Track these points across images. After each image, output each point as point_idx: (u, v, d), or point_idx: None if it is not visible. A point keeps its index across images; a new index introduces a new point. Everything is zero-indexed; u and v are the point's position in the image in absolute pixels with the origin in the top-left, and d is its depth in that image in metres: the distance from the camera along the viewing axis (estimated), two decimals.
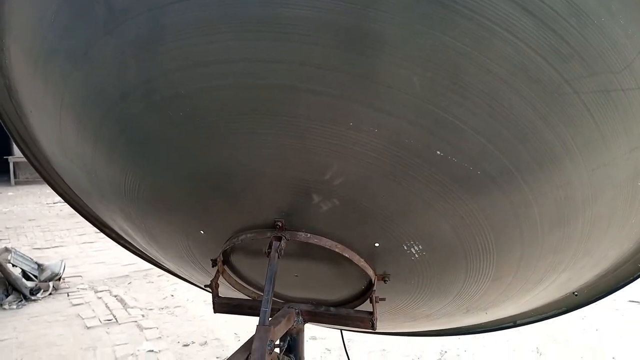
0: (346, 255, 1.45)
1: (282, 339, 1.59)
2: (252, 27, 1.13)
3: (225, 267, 1.73)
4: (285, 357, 1.49)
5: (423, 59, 1.10)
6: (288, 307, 1.59)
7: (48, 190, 17.60)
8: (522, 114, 1.16)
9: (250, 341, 1.28)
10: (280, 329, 1.44)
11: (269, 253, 1.40)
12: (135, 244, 2.22)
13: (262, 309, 1.32)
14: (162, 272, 9.17)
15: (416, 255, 1.45)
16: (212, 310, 1.65)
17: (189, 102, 1.26)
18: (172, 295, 7.20)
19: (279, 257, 1.40)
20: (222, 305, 1.68)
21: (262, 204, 1.43)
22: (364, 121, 1.19)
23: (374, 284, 1.52)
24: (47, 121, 1.69)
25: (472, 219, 1.35)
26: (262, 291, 1.75)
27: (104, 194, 1.78)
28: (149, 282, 7.81)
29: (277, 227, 1.43)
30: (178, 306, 6.81)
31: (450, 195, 1.30)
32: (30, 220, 12.38)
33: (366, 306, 1.60)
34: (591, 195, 1.35)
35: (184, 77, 1.23)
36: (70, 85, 1.45)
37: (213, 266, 1.67)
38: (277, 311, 1.57)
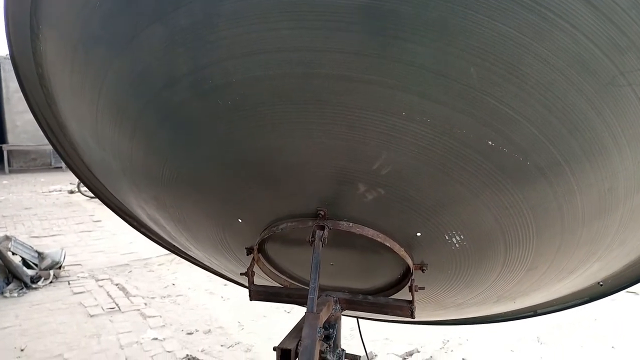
0: (387, 244, 1.46)
1: (325, 327, 1.60)
2: (308, 15, 1.12)
3: (260, 255, 1.73)
4: (324, 343, 1.50)
5: (482, 49, 1.10)
6: (326, 295, 1.61)
7: (42, 179, 17.50)
8: (576, 105, 1.17)
9: (297, 328, 1.29)
10: (323, 317, 1.45)
11: (312, 242, 1.41)
12: (161, 233, 2.21)
13: (310, 296, 1.33)
14: (162, 261, 9.16)
15: (457, 245, 1.47)
16: (249, 298, 1.65)
17: (240, 91, 1.26)
18: (174, 284, 7.20)
19: (322, 246, 1.40)
20: (259, 293, 1.69)
21: (306, 192, 1.43)
22: (417, 111, 1.19)
23: (412, 273, 1.53)
24: (82, 110, 1.67)
25: (516, 210, 1.37)
26: (295, 280, 1.77)
27: (136, 182, 1.77)
28: (150, 271, 7.81)
29: (320, 216, 1.44)
30: (180, 295, 6.82)
31: (497, 186, 1.31)
32: (26, 208, 12.29)
33: (401, 294, 1.61)
34: (634, 186, 1.36)
35: (237, 65, 1.22)
36: (111, 74, 1.43)
37: (248, 254, 1.68)
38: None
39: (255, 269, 1.75)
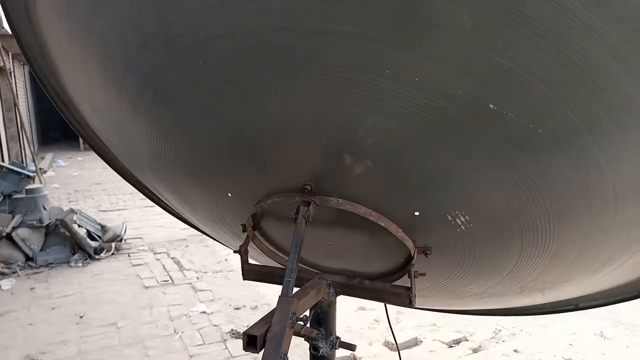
0: (382, 224, 1.29)
1: (311, 311, 1.47)
2: None
3: (257, 233, 1.62)
4: (314, 330, 1.38)
5: None
6: (319, 278, 1.47)
7: None
8: (597, 59, 0.95)
9: (271, 313, 1.18)
10: (308, 301, 1.33)
11: (296, 219, 1.27)
12: (171, 206, 2.16)
13: (286, 279, 1.20)
14: None
15: (462, 227, 1.28)
16: (242, 277, 1.55)
17: (209, 50, 1.13)
18: (226, 260, 7.33)
19: (306, 224, 1.27)
20: (252, 273, 1.59)
21: (290, 165, 1.30)
22: (402, 68, 1.02)
23: (413, 257, 1.36)
24: (76, 77, 1.63)
25: (529, 187, 1.16)
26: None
27: (134, 153, 1.71)
28: (205, 246, 8.00)
29: (306, 191, 1.30)
30: (231, 270, 6.93)
31: (504, 158, 1.11)
32: (97, 184, 13.00)
33: (405, 281, 1.45)
34: None
35: (203, 21, 1.10)
36: (91, 36, 1.36)
37: (243, 231, 1.57)
38: (308, 281, 1.46)
39: (254, 246, 1.65)
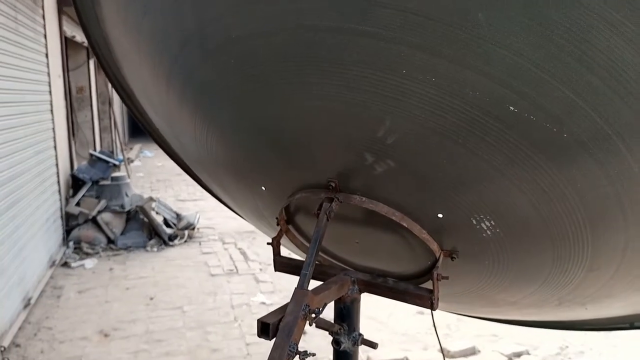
0: (404, 224, 1.29)
1: (335, 306, 1.49)
2: None
3: (291, 227, 1.67)
4: (336, 324, 1.39)
5: None
6: (344, 275, 1.49)
7: None
8: (625, 60, 0.89)
9: (288, 304, 1.21)
10: (328, 295, 1.35)
11: (318, 214, 1.30)
12: (221, 198, 2.26)
13: (302, 272, 1.23)
14: None
15: (488, 232, 1.24)
16: (273, 268, 1.60)
17: (241, 49, 1.19)
18: (290, 254, 7.50)
19: (327, 220, 1.29)
20: (283, 265, 1.64)
21: (316, 162, 1.33)
22: (419, 68, 1.01)
23: (438, 260, 1.34)
24: (133, 72, 1.75)
25: (557, 194, 1.11)
26: (327, 254, 1.67)
27: (183, 145, 1.81)
28: None
29: (331, 187, 1.32)
30: None
31: (527, 163, 1.07)
32: (177, 174, 13.73)
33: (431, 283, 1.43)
34: None
35: (235, 20, 1.15)
36: (142, 35, 1.46)
37: (277, 225, 1.63)
38: (334, 276, 1.48)
39: (287, 240, 1.70)
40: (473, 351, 4.83)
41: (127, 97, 2.11)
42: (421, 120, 1.08)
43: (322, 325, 1.34)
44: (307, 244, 1.71)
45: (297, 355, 1.14)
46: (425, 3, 0.94)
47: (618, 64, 0.90)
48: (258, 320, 1.18)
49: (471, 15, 0.92)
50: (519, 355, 4.79)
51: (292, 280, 7.04)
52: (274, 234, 1.84)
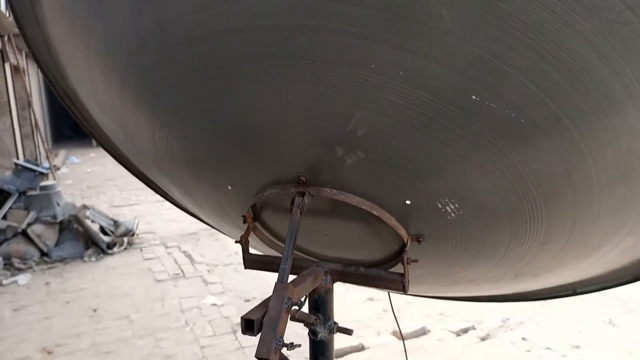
0: (375, 213, 1.34)
1: (309, 297, 1.53)
2: None
3: (257, 223, 1.68)
4: (312, 315, 1.43)
5: None
6: (316, 266, 1.53)
7: None
8: (573, 50, 0.98)
9: (269, 299, 1.23)
10: (305, 287, 1.38)
11: (292, 209, 1.33)
12: (178, 200, 2.23)
13: (281, 266, 1.26)
14: None
15: (452, 215, 1.32)
16: (243, 266, 1.61)
17: (202, 48, 1.18)
18: (236, 253, 7.43)
19: (301, 214, 1.32)
20: (253, 262, 1.65)
21: (285, 157, 1.35)
22: (387, 63, 1.06)
23: (406, 245, 1.41)
24: (81, 76, 1.69)
25: (515, 175, 1.20)
26: (296, 249, 1.70)
27: (139, 149, 1.77)
28: (216, 240, 8.10)
29: (301, 182, 1.35)
30: (241, 263, 7.01)
31: (488, 147, 1.15)
32: (109, 180, 13.18)
33: (400, 268, 1.50)
34: None
35: (196, 19, 1.15)
36: (93, 36, 1.41)
37: (244, 222, 1.63)
38: (306, 269, 1.51)
39: (254, 237, 1.71)
40: (423, 331, 5.04)
41: (70, 102, 2.02)
42: (390, 112, 1.13)
43: (299, 317, 1.37)
44: (274, 239, 1.73)
45: (285, 347, 1.16)
46: (393, 2, 0.98)
47: (568, 52, 0.99)
48: (242, 317, 1.19)
49: (435, 11, 0.98)
50: (466, 331, 5.05)
51: (241, 279, 6.98)
52: (237, 232, 1.85)
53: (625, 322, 5.15)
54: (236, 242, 1.64)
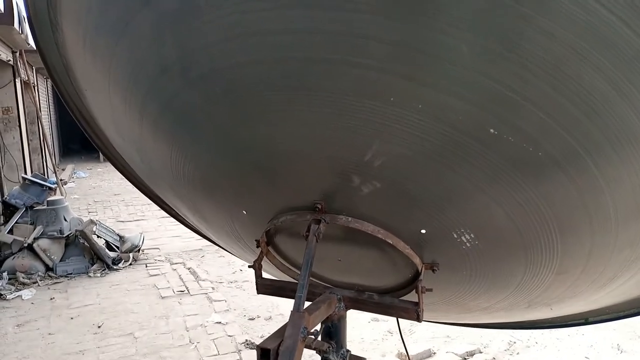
0: (389, 241, 1.35)
1: (323, 324, 1.53)
2: None
3: (270, 248, 1.69)
4: (325, 343, 1.42)
5: (473, 22, 0.96)
6: (330, 293, 1.53)
7: None
8: (593, 86, 1.00)
9: (284, 327, 1.23)
10: (319, 315, 1.38)
11: (307, 236, 1.33)
12: (189, 221, 2.24)
13: (297, 294, 1.26)
14: None
15: (467, 245, 1.33)
16: (256, 291, 1.61)
17: (226, 78, 1.21)
18: (241, 270, 7.40)
19: (317, 241, 1.33)
20: (265, 287, 1.65)
21: (302, 184, 1.36)
22: (406, 96, 1.07)
23: (420, 273, 1.41)
24: (100, 99, 1.71)
25: (532, 207, 1.20)
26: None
27: (154, 171, 1.79)
28: (220, 257, 8.07)
29: (317, 209, 1.36)
30: (246, 281, 6.99)
31: (506, 180, 1.16)
32: (115, 194, 13.22)
33: (413, 295, 1.49)
34: None
35: (220, 50, 1.17)
36: (114, 62, 1.44)
37: (257, 247, 1.64)
38: (319, 295, 1.51)
39: (267, 261, 1.71)
40: (429, 354, 4.98)
41: (87, 124, 2.05)
42: (408, 144, 1.15)
43: (313, 345, 1.37)
44: (287, 264, 1.73)
45: None
46: (413, 36, 1.00)
47: (586, 88, 1.00)
48: (257, 346, 1.19)
49: (454, 47, 0.99)
50: (471, 354, 4.99)
51: (246, 297, 6.95)
52: (248, 254, 1.85)
53: (633, 348, 5.08)
54: (249, 266, 1.64)
